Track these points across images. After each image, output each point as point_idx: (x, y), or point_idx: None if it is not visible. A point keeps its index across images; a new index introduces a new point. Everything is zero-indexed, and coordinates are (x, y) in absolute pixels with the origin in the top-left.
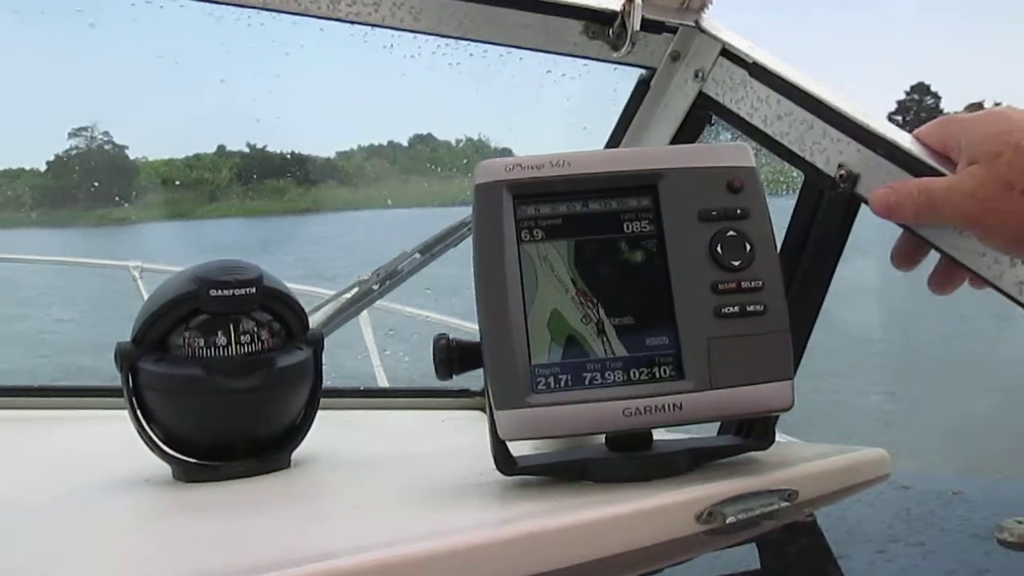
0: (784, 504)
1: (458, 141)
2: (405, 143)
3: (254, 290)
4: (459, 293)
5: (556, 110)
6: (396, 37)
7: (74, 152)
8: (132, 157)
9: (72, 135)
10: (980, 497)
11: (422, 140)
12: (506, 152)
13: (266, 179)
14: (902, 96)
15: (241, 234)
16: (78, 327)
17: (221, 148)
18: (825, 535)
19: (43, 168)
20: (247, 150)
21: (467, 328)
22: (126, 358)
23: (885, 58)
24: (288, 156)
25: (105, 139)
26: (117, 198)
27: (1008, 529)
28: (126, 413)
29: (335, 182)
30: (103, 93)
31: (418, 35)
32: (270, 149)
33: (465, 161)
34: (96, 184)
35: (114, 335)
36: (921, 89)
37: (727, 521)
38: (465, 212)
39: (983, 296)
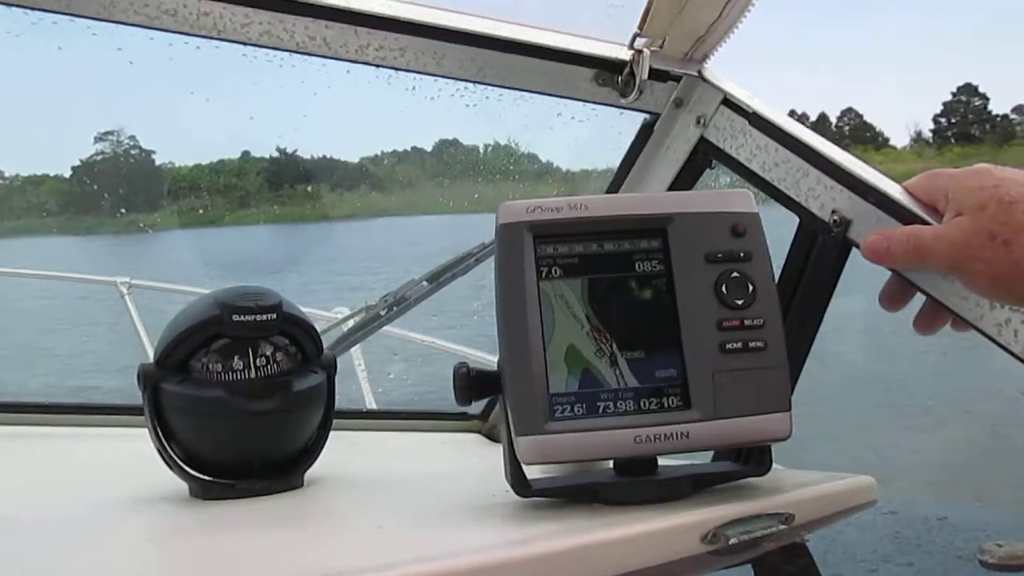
0: (782, 527)
1: (486, 146)
2: (429, 148)
3: (275, 316)
4: (443, 312)
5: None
6: (418, 80)
7: (100, 157)
8: (159, 163)
9: (98, 139)
10: (962, 522)
11: (449, 145)
12: (533, 157)
13: (297, 184)
14: (948, 97)
15: (275, 246)
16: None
17: (246, 154)
18: (822, 557)
19: (68, 174)
20: (276, 154)
21: (455, 351)
22: (149, 379)
23: (930, 60)
24: (320, 159)
25: (132, 143)
26: (144, 204)
27: (989, 551)
28: (141, 432)
29: (368, 186)
30: (129, 97)
31: (439, 79)
32: (300, 154)
33: (511, 166)
34: (123, 190)
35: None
36: (968, 90)
37: (730, 542)
38: None
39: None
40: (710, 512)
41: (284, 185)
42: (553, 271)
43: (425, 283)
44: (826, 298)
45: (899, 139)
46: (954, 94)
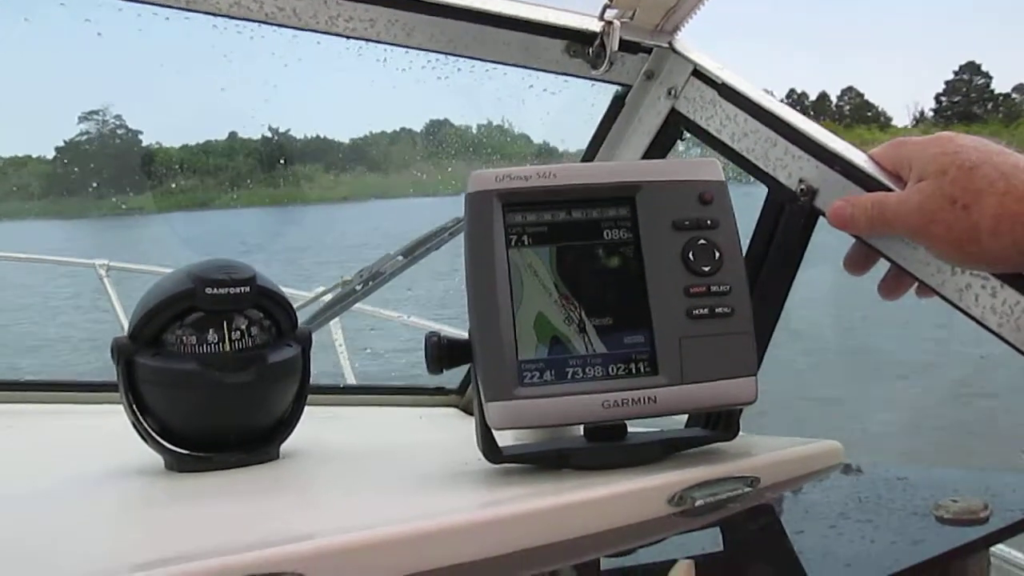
0: (747, 489)
1: (480, 127)
2: (418, 129)
3: (248, 289)
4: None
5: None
6: (389, 52)
7: (85, 137)
8: (145, 143)
9: (83, 119)
10: (922, 481)
11: (439, 126)
12: (523, 138)
13: (292, 165)
14: (950, 76)
15: (271, 228)
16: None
17: (233, 135)
18: (783, 514)
19: (51, 155)
20: (268, 134)
21: (425, 326)
22: (123, 352)
23: (930, 38)
24: (313, 139)
25: (118, 123)
26: (132, 186)
27: (944, 507)
28: (115, 407)
29: (364, 168)
30: (114, 75)
31: (410, 50)
32: (293, 134)
33: (507, 147)
34: (109, 171)
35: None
36: (971, 68)
37: (696, 504)
38: None
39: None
40: (677, 475)
41: (276, 166)
42: (522, 239)
43: (400, 257)
44: (794, 266)
45: (900, 118)
46: (956, 72)
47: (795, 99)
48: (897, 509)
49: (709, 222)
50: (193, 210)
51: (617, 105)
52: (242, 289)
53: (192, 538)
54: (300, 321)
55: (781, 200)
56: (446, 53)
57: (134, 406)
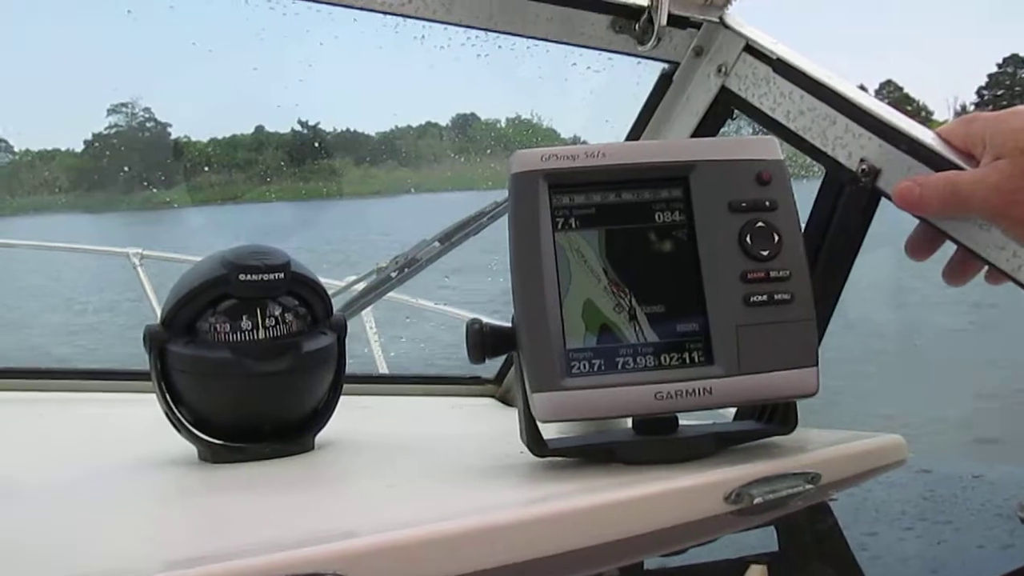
0: (808, 486)
1: (510, 120)
2: (446, 123)
3: (282, 275)
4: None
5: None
6: (427, 28)
7: (114, 130)
8: (174, 136)
9: (111, 111)
10: (999, 480)
11: (465, 120)
12: (551, 133)
13: (319, 159)
14: (994, 69)
15: (305, 223)
16: None
17: (259, 128)
18: (853, 516)
19: (80, 148)
20: (299, 127)
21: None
22: (155, 340)
23: (971, 31)
24: (343, 132)
25: (147, 115)
26: (161, 180)
27: None
28: (151, 396)
29: (395, 162)
30: (142, 68)
31: (448, 26)
32: (323, 127)
33: (535, 141)
34: (139, 165)
35: None
36: (1015, 61)
37: (755, 502)
38: None
39: None
40: (733, 471)
41: (307, 160)
42: (570, 222)
43: (437, 244)
44: (853, 251)
45: (941, 113)
46: (1000, 65)
47: None
48: (977, 510)
49: (767, 203)
50: (223, 204)
51: (664, 84)
52: (276, 275)
53: (227, 534)
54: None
55: (840, 181)
56: (486, 29)
57: (167, 395)
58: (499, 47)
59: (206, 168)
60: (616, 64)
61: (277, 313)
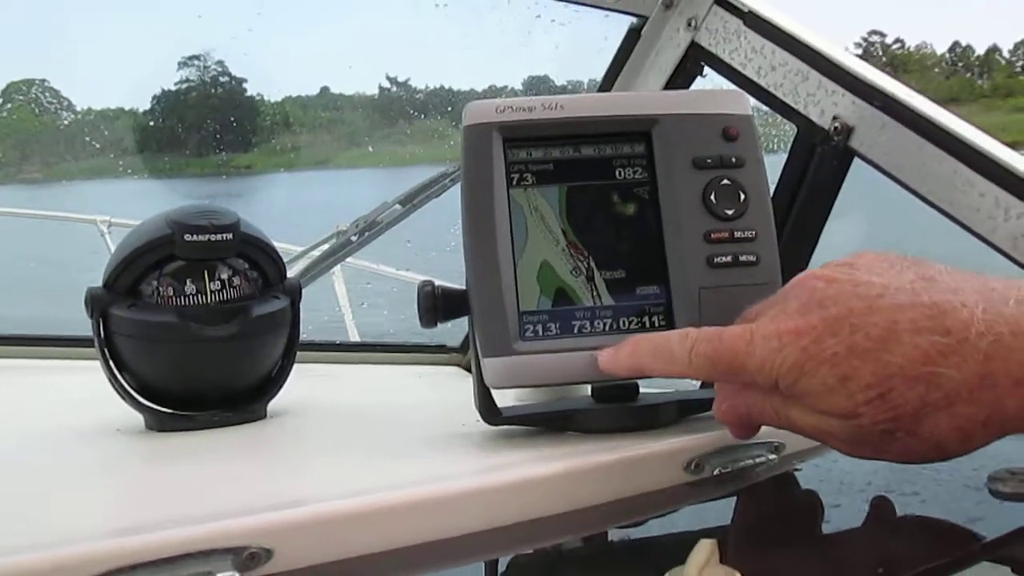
0: (771, 456)
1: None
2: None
3: (231, 236)
4: None
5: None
6: None
7: (185, 86)
8: (250, 94)
9: (183, 65)
10: None
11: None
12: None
13: (414, 120)
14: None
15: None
16: None
17: (325, 89)
18: (816, 487)
19: (147, 107)
20: (386, 84)
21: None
22: (98, 303)
23: None
24: (436, 89)
25: (220, 70)
26: (238, 142)
27: (1001, 479)
28: (96, 364)
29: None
30: (215, 15)
31: None
32: (413, 83)
33: None
34: (212, 125)
35: None
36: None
37: (715, 472)
38: None
39: None
40: (694, 440)
41: (399, 120)
42: (525, 177)
43: (398, 206)
44: (825, 213)
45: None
46: None
47: (957, 54)
48: (945, 481)
49: (734, 160)
50: (309, 170)
51: (632, 39)
52: (224, 236)
53: (170, 501)
54: (294, 275)
55: (812, 140)
56: None
57: (110, 361)
58: None
59: (286, 130)
60: (583, 18)
61: (225, 276)
